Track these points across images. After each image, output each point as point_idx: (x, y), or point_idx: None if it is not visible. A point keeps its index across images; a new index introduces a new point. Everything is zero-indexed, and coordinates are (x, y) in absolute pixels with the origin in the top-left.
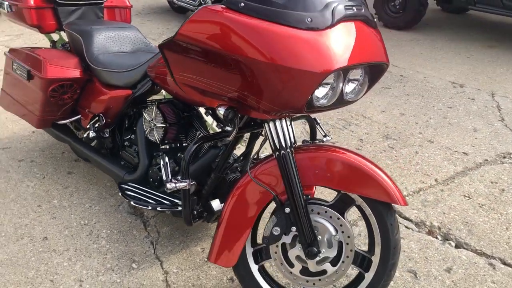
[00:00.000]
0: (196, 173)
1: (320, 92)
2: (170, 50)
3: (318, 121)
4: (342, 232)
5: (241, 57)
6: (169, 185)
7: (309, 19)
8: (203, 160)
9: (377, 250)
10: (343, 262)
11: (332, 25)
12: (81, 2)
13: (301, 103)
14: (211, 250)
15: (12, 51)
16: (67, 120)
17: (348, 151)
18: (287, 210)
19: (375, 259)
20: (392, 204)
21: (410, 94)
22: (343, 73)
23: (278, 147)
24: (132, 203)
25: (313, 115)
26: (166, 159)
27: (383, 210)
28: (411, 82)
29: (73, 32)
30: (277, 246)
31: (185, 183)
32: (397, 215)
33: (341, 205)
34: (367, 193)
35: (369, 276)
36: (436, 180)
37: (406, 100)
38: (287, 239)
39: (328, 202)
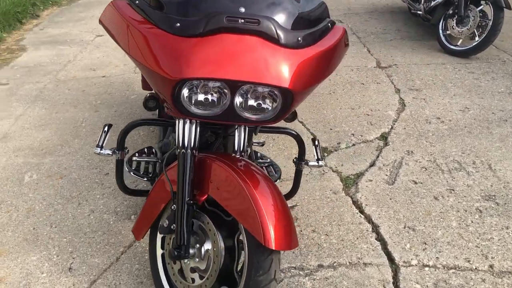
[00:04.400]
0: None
1: (198, 98)
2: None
3: (316, 143)
4: (214, 249)
5: (124, 51)
6: (94, 150)
7: (177, 24)
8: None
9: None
10: (207, 278)
11: (203, 35)
12: None
13: (170, 105)
14: (136, 220)
15: None
16: None
17: (258, 174)
18: (174, 207)
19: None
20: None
21: None
22: (230, 87)
23: (181, 145)
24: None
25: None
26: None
27: (256, 247)
28: None
29: None
30: (170, 238)
31: (109, 152)
32: (274, 260)
33: (235, 225)
34: (245, 224)
35: None
36: None
37: None
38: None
39: (228, 218)
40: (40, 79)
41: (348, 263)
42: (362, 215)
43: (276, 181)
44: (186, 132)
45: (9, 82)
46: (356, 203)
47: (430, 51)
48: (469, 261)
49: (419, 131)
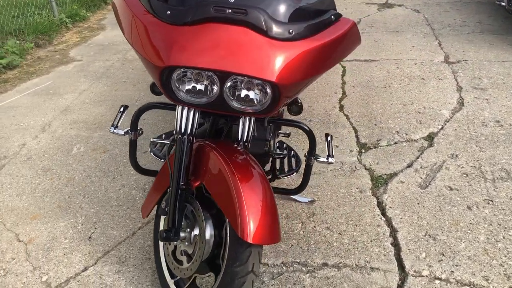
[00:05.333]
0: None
1: (186, 86)
2: None
3: (329, 139)
4: (201, 235)
5: (122, 32)
6: (109, 129)
7: (168, 12)
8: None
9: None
10: (192, 263)
11: (191, 23)
12: None
13: (161, 90)
14: (145, 199)
15: None
16: None
17: (251, 167)
18: (169, 190)
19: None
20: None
21: None
22: (218, 77)
23: (178, 131)
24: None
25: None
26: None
27: (235, 238)
28: None
29: None
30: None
31: (122, 132)
32: (253, 253)
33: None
34: (227, 215)
35: (218, 279)
36: None
37: None
38: None
39: None
40: (110, 57)
41: (354, 265)
42: (383, 218)
43: (292, 174)
44: (184, 118)
45: (82, 58)
46: (380, 205)
47: (510, 48)
48: (487, 279)
49: (471, 134)
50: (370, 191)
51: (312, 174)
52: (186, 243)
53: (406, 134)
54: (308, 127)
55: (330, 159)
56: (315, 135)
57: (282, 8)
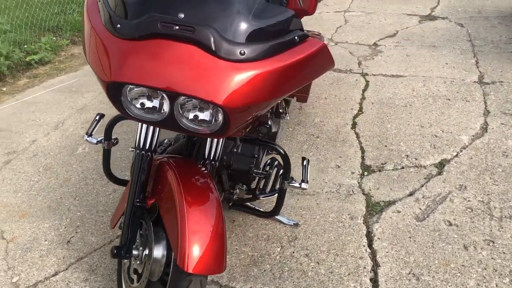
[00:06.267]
0: None
1: (138, 101)
2: None
3: (305, 163)
4: (149, 256)
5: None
6: (84, 136)
7: (118, 26)
8: None
9: None
10: (139, 283)
11: (139, 38)
12: None
13: (112, 104)
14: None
15: None
16: None
17: (205, 191)
18: None
19: None
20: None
21: None
22: (168, 95)
23: (137, 146)
24: None
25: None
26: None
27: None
28: None
29: None
30: None
31: (94, 140)
32: (194, 281)
33: None
34: (171, 240)
35: None
36: None
37: None
38: None
39: None
40: None
41: None
42: (368, 249)
43: (273, 195)
44: (143, 134)
45: None
46: (369, 235)
47: None
48: None
49: (487, 164)
50: (362, 218)
51: (305, 195)
52: (138, 262)
53: (416, 159)
54: (283, 150)
55: (303, 185)
56: (320, 153)
57: (236, 28)
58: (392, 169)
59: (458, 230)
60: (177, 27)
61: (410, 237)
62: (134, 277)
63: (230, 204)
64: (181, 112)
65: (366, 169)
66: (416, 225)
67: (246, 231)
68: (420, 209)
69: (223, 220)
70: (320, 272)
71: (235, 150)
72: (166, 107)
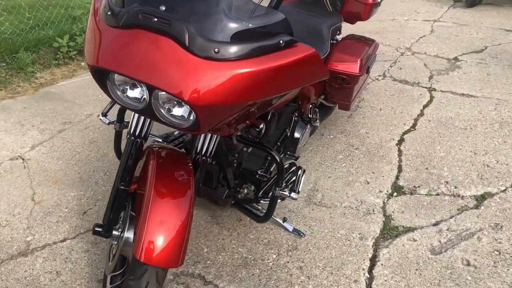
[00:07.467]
0: None
1: (116, 89)
2: None
3: (300, 173)
4: (121, 239)
5: None
6: (99, 116)
7: (108, 13)
8: None
9: None
10: (111, 263)
11: (123, 27)
12: None
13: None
14: None
15: None
16: None
17: (179, 184)
18: None
19: None
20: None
21: None
22: (147, 85)
23: (128, 131)
24: None
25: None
26: None
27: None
28: None
29: None
30: None
31: (107, 121)
32: (150, 271)
33: None
34: (135, 229)
35: None
36: None
37: None
38: None
39: None
40: None
41: None
42: (366, 274)
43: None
44: (135, 120)
45: None
46: (373, 259)
47: None
48: None
49: None
50: (373, 240)
51: (321, 206)
52: (115, 242)
53: (455, 187)
54: (279, 157)
55: (293, 195)
56: (353, 166)
57: (214, 25)
58: (426, 194)
59: (474, 272)
60: (156, 19)
61: (416, 269)
62: (111, 256)
63: (233, 202)
64: (160, 103)
65: (397, 190)
66: (429, 258)
67: (248, 232)
68: (440, 241)
69: (190, 216)
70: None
71: (245, 149)
72: (146, 96)
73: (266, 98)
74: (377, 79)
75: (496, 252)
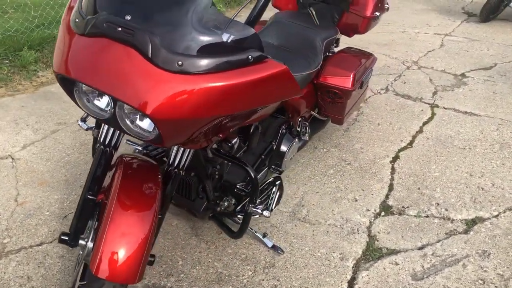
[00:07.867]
0: None
1: (81, 98)
2: None
3: (274, 190)
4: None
5: None
6: (78, 121)
7: (76, 20)
8: None
9: None
10: (75, 272)
11: (88, 35)
12: None
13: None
14: None
15: None
16: None
17: (144, 197)
18: None
19: None
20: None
21: None
22: (112, 98)
23: (98, 140)
24: None
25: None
26: None
27: None
28: None
29: None
30: None
31: (85, 126)
32: (107, 286)
33: None
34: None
35: None
36: None
37: None
38: None
39: None
40: None
41: None
42: None
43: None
44: (105, 129)
45: None
46: (351, 281)
47: None
48: None
49: None
50: (354, 262)
51: (305, 223)
52: (81, 252)
53: (446, 210)
54: (254, 173)
55: (265, 213)
56: (343, 182)
57: (179, 38)
58: (414, 216)
59: None
60: (120, 29)
61: None
62: (77, 266)
63: (211, 215)
64: (126, 114)
65: (385, 209)
66: (409, 284)
67: (227, 246)
68: (423, 266)
69: (153, 230)
70: None
71: (226, 161)
72: (110, 108)
73: (232, 114)
74: (379, 92)
75: (480, 281)
